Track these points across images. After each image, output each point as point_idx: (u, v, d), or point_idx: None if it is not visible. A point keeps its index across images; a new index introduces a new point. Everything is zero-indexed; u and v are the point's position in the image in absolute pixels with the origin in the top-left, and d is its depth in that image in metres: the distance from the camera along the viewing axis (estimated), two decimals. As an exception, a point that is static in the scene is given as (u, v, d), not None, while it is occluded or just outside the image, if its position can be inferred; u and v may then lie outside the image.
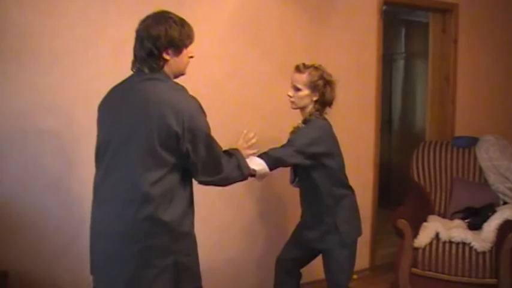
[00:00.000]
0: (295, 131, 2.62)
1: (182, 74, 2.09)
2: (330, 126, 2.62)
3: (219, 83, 3.29)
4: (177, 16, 2.01)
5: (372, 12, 4.02)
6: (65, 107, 2.81)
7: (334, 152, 2.61)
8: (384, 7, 4.10)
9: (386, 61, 5.26)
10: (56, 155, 2.81)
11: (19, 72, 2.69)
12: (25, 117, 2.72)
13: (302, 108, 2.61)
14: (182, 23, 2.00)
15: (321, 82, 2.54)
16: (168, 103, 1.88)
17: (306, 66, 2.56)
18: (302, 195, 2.77)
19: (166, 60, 1.98)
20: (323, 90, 2.55)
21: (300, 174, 2.68)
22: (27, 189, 2.74)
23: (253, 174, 2.33)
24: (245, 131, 2.47)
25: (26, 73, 2.70)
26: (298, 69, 2.57)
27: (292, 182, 2.76)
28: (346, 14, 3.88)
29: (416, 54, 5.97)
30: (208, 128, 1.99)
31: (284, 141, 2.54)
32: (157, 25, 1.94)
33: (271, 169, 2.41)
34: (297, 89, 2.56)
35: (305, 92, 2.55)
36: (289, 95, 2.59)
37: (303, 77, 2.54)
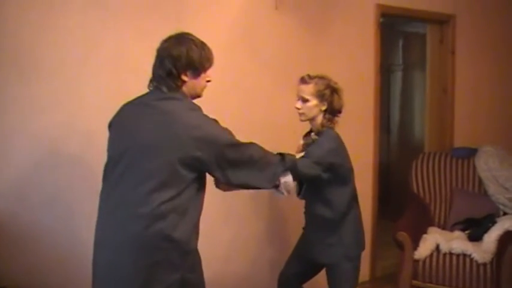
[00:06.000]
0: (308, 143, 2.58)
1: (198, 97, 2.10)
2: (340, 138, 2.59)
3: (218, 96, 3.26)
4: (197, 39, 2.04)
5: (370, 23, 4.03)
6: (62, 121, 2.79)
7: (347, 164, 2.59)
8: (382, 19, 4.12)
9: (384, 72, 5.27)
10: (53, 169, 2.78)
11: (18, 85, 2.67)
12: (22, 131, 2.70)
13: (312, 120, 2.58)
14: (202, 46, 2.03)
15: (327, 91, 2.52)
16: (188, 123, 1.90)
17: (311, 77, 2.54)
18: (308, 207, 2.72)
19: (184, 82, 1.99)
20: (331, 98, 2.53)
21: (308, 186, 2.61)
22: (24, 205, 2.72)
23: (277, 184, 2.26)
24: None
25: (25, 86, 2.69)
26: (303, 80, 2.55)
27: (299, 193, 2.68)
28: (344, 26, 3.89)
29: (414, 65, 5.97)
30: (230, 139, 2.01)
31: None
32: (178, 46, 1.97)
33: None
34: (305, 100, 2.53)
35: (313, 102, 2.52)
36: (297, 107, 2.56)
37: (310, 87, 2.52)
